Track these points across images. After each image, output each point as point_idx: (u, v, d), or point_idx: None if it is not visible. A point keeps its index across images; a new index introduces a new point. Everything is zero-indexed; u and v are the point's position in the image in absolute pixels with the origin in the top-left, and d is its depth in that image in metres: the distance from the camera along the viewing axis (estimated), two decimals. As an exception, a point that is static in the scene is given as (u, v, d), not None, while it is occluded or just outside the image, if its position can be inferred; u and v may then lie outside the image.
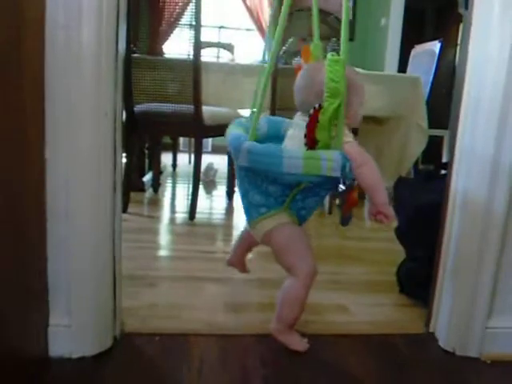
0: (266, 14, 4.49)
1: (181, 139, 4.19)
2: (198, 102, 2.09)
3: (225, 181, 2.79)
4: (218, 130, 2.02)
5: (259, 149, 0.96)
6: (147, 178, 2.80)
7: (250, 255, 1.36)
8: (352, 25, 4.40)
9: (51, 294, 1.00)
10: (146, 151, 2.86)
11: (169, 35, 2.97)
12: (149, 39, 2.42)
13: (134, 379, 0.99)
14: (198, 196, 2.21)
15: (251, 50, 4.49)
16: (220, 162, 3.26)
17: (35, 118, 0.92)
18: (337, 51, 0.98)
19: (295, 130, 1.07)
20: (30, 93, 0.89)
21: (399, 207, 1.41)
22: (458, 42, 4.21)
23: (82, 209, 0.98)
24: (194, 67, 2.06)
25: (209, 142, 4.41)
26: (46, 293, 1.00)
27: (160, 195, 2.74)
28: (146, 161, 2.88)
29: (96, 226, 1.00)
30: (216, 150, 4.07)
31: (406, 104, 2.60)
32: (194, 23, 2.02)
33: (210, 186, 3.05)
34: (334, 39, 2.82)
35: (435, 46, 3.03)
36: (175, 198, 2.86)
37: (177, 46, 2.28)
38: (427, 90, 2.87)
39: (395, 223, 0.92)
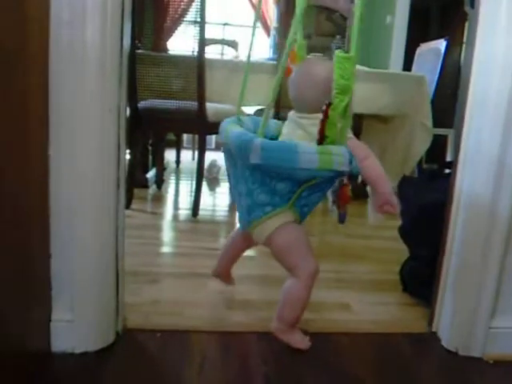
0: (270, 11, 4.48)
1: (184, 136, 4.20)
2: (201, 99, 2.09)
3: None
4: (222, 127, 2.02)
5: (273, 145, 0.96)
6: (151, 174, 2.80)
7: (250, 253, 1.35)
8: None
9: (54, 290, 1.01)
10: (150, 148, 2.86)
11: (173, 32, 2.95)
12: (153, 35, 2.42)
13: (135, 375, 0.99)
14: (201, 193, 2.21)
15: (255, 47, 4.48)
16: (223, 159, 3.25)
17: (39, 115, 0.92)
18: (341, 48, 0.98)
19: (290, 127, 1.07)
20: (34, 90, 0.89)
21: (403, 206, 1.41)
22: (464, 40, 4.18)
23: (85, 205, 0.98)
24: (199, 64, 2.06)
25: (212, 139, 4.41)
26: (49, 288, 1.00)
27: (163, 192, 2.74)
28: (150, 157, 2.88)
29: (99, 223, 1.00)
30: (220, 147, 4.08)
31: (410, 102, 2.59)
32: (198, 20, 2.03)
33: (214, 183, 3.05)
34: (339, 36, 2.81)
35: (441, 44, 3.01)
36: (178, 194, 2.87)
37: (181, 42, 2.28)
38: (432, 88, 2.85)
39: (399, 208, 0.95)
